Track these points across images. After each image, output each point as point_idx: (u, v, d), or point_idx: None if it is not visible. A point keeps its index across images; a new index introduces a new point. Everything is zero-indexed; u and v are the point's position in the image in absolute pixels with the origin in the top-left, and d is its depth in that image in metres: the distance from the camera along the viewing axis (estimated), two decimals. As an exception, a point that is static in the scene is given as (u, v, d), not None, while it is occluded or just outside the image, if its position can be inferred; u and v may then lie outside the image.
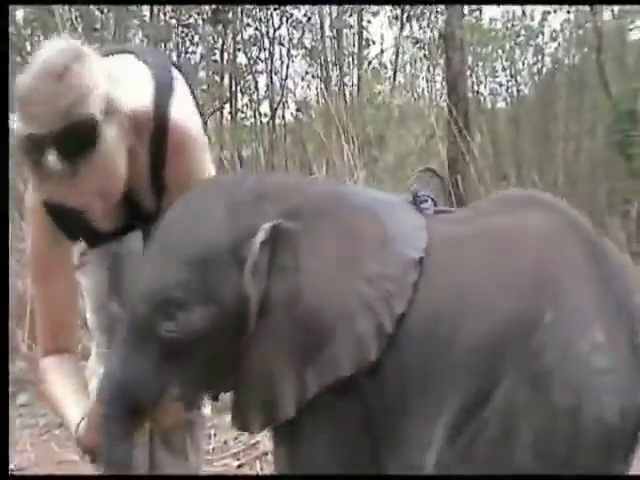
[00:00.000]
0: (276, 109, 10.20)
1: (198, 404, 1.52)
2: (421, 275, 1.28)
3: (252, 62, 10.53)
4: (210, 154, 1.79)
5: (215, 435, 3.31)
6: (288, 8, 10.37)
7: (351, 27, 10.63)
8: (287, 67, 10.52)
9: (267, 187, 1.35)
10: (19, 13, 7.98)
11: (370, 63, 10.67)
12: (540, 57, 9.74)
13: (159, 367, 1.31)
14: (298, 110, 9.78)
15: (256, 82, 10.61)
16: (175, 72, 1.55)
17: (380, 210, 1.34)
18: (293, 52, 10.58)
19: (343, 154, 5.09)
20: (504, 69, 9.96)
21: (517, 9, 9.90)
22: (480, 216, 1.37)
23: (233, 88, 10.22)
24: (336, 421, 1.28)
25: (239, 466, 3.08)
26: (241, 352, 1.28)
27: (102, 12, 9.30)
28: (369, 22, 10.60)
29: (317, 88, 10.15)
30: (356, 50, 10.53)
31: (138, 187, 1.54)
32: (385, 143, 6.93)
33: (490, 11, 10.24)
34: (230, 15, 10.06)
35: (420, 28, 10.54)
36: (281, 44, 10.57)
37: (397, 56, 10.54)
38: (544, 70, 9.58)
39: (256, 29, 10.60)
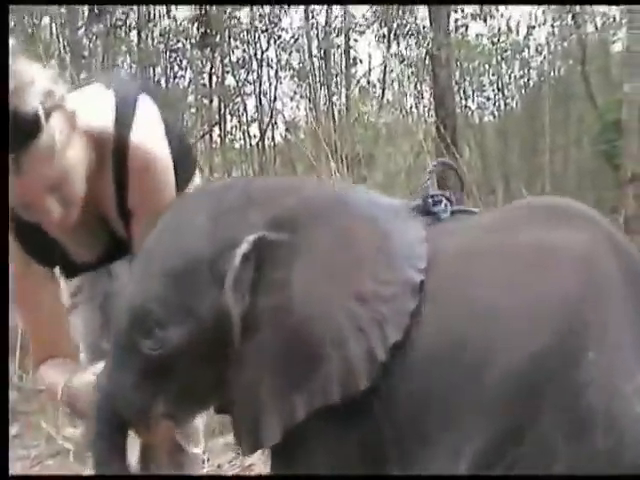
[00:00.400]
0: (265, 130, 10.23)
1: (187, 421, 1.50)
2: (436, 294, 1.18)
3: (240, 84, 10.58)
4: (200, 177, 1.81)
5: (209, 460, 3.29)
6: (275, 30, 10.44)
7: (338, 47, 10.70)
8: (275, 88, 10.59)
9: (256, 192, 1.27)
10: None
11: (358, 82, 10.73)
12: (526, 70, 9.82)
13: (142, 383, 1.26)
14: (287, 131, 9.82)
15: (245, 104, 10.66)
16: (144, 97, 1.54)
17: (380, 219, 1.24)
18: (281, 73, 10.64)
19: (332, 174, 5.11)
20: (491, 83, 10.03)
21: (502, 24, 10.00)
22: (507, 227, 1.24)
23: (222, 111, 10.25)
24: (334, 446, 1.20)
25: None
26: (227, 371, 1.21)
27: (90, 39, 9.36)
28: (356, 41, 10.67)
29: (306, 108, 10.21)
30: (344, 69, 10.59)
31: (109, 212, 1.54)
32: (374, 162, 6.95)
33: (476, 27, 10.34)
34: (218, 38, 10.12)
35: (407, 46, 10.61)
36: (269, 66, 10.64)
37: (385, 74, 10.60)
38: (530, 83, 9.66)
39: (244, 51, 10.67)
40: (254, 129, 10.42)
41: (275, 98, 10.52)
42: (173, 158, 1.55)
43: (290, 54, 10.63)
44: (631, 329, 1.11)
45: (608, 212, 6.11)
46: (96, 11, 8.86)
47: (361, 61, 10.73)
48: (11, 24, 7.95)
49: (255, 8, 10.36)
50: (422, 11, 9.35)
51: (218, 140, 10.15)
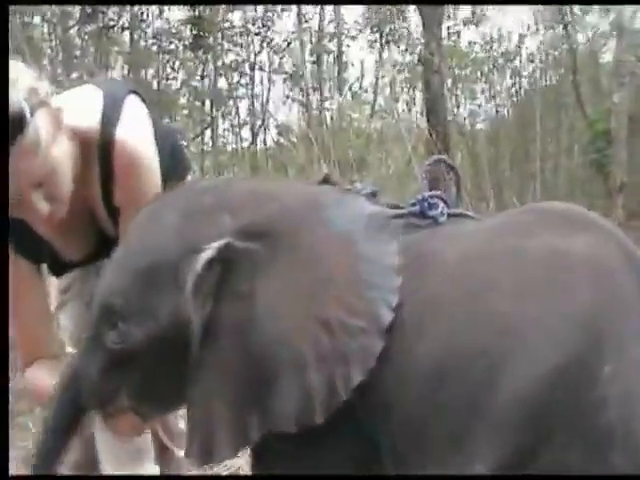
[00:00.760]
0: (257, 133, 10.26)
1: (152, 417, 1.45)
2: (439, 304, 1.11)
3: (233, 87, 10.59)
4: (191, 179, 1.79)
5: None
6: (268, 34, 10.47)
7: (331, 52, 10.73)
8: (268, 91, 10.61)
9: (234, 196, 1.22)
10: None
11: (350, 87, 10.77)
12: (517, 79, 9.89)
13: (106, 374, 1.23)
14: (279, 134, 9.83)
15: (237, 107, 10.68)
16: (132, 97, 1.54)
17: (355, 237, 1.16)
18: (274, 77, 10.67)
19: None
20: (483, 91, 10.09)
21: (494, 32, 10.07)
22: (517, 232, 1.16)
23: (214, 113, 10.25)
24: (320, 458, 1.14)
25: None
26: (187, 377, 1.16)
27: (82, 39, 9.34)
28: (348, 46, 10.72)
29: (298, 112, 10.22)
30: (336, 74, 10.62)
31: (97, 210, 1.54)
32: (366, 166, 6.97)
33: (468, 34, 10.40)
34: (211, 41, 10.13)
35: (399, 52, 10.66)
36: (261, 69, 10.66)
37: (377, 80, 10.64)
38: (522, 91, 9.72)
39: (237, 54, 10.69)
40: (246, 132, 10.45)
41: (267, 101, 10.56)
42: (165, 160, 1.55)
43: (283, 58, 10.67)
44: None
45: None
46: (88, 11, 8.84)
47: (353, 64, 10.79)
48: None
49: (248, 11, 10.39)
50: (415, 17, 9.42)
51: (210, 142, 10.15)
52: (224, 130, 10.54)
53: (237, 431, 1.10)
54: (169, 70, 10.37)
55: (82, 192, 1.44)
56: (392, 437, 1.11)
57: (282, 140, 9.44)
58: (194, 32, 10.02)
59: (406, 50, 10.29)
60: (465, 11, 10.20)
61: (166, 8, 10.08)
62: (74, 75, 7.61)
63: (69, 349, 1.74)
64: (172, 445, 1.76)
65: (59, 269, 1.63)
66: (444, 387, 1.06)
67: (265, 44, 10.62)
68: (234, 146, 10.28)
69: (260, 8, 10.43)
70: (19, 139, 1.28)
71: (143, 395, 1.24)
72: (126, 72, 9.51)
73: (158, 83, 9.81)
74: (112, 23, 9.62)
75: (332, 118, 8.93)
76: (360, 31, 10.48)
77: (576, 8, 8.11)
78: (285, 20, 10.58)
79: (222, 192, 1.24)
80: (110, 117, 1.46)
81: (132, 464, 1.54)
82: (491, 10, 9.85)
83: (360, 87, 10.78)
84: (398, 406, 1.10)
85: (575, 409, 1.00)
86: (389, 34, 10.48)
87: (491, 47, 10.15)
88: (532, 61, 9.72)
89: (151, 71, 10.03)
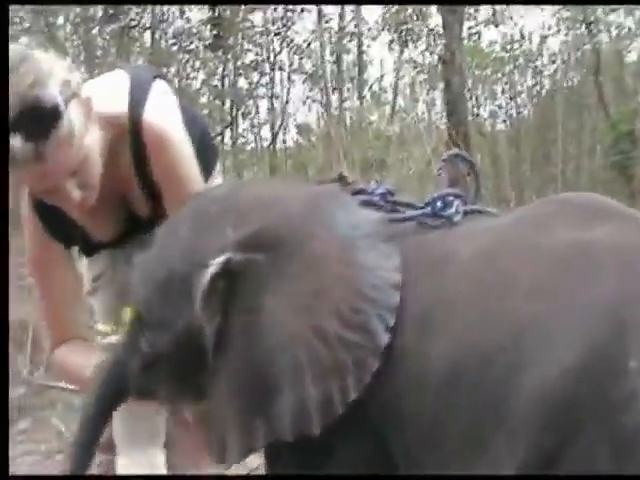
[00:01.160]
0: (277, 133, 10.26)
1: (182, 409, 1.52)
2: (455, 303, 1.08)
3: (253, 87, 10.61)
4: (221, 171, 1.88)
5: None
6: (289, 33, 10.47)
7: (350, 52, 10.72)
8: (288, 92, 10.61)
9: (241, 205, 1.24)
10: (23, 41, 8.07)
11: (370, 87, 10.75)
12: (539, 79, 9.82)
13: (144, 371, 1.31)
14: (299, 134, 9.84)
15: (257, 107, 10.69)
16: (159, 81, 1.60)
17: (357, 248, 1.15)
18: (293, 77, 10.67)
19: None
20: (503, 92, 10.03)
21: (516, 32, 10.00)
22: (538, 225, 1.13)
23: (234, 113, 10.27)
24: (334, 465, 1.15)
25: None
26: (206, 381, 1.21)
27: (104, 39, 9.40)
28: (368, 47, 10.70)
29: (317, 112, 10.22)
30: (356, 74, 10.60)
31: (130, 192, 1.60)
32: (386, 167, 6.95)
33: (489, 34, 10.35)
34: (231, 41, 10.15)
35: (420, 52, 10.63)
36: (281, 69, 10.66)
37: (397, 80, 10.61)
38: (543, 92, 9.65)
39: (257, 54, 10.70)
40: (266, 132, 10.47)
41: (287, 101, 10.56)
42: (195, 144, 1.60)
43: (302, 58, 10.66)
44: None
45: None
46: (110, 11, 8.90)
47: (372, 64, 10.76)
48: (26, 24, 8.01)
49: (269, 11, 10.40)
50: (435, 17, 9.39)
51: (230, 142, 10.18)
52: (244, 130, 10.56)
53: (244, 437, 1.13)
54: (189, 70, 10.40)
55: (113, 176, 1.49)
56: (405, 440, 1.09)
57: (301, 140, 9.45)
58: (214, 32, 10.04)
59: (427, 49, 10.25)
60: (486, 11, 10.15)
61: (187, 8, 10.11)
62: (96, 74, 7.65)
63: (99, 331, 1.78)
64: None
65: (90, 250, 1.69)
66: (460, 388, 1.04)
67: (285, 44, 10.62)
68: (253, 146, 10.30)
69: (280, 8, 10.44)
70: (55, 132, 1.32)
71: (174, 393, 1.31)
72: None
73: (179, 82, 9.84)
74: (134, 23, 9.67)
75: (352, 118, 8.93)
76: (381, 31, 10.45)
77: (600, 7, 8.05)
78: (305, 20, 10.55)
79: (228, 202, 1.26)
80: (137, 99, 1.52)
81: (145, 445, 1.58)
82: (512, 9, 9.80)
83: (380, 88, 10.77)
84: (412, 408, 1.08)
85: (601, 403, 0.96)
86: (408, 34, 10.45)
87: (512, 47, 10.09)
88: (554, 61, 9.65)
89: (172, 70, 10.06)
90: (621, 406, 0.96)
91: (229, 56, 10.37)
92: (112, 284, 1.74)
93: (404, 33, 10.41)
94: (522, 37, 9.97)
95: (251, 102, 10.60)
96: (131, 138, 1.53)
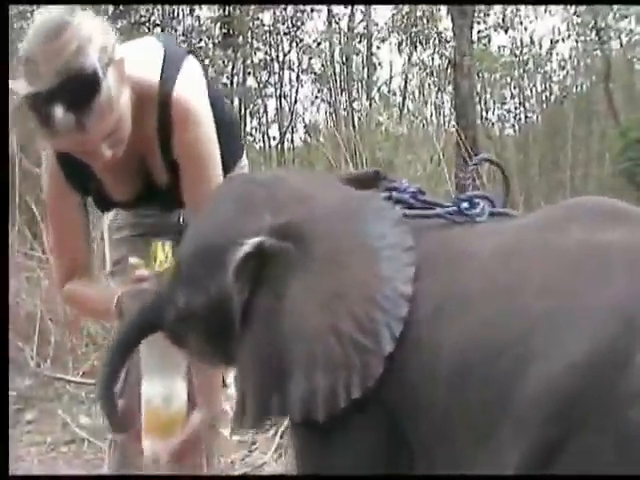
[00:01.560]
0: (285, 133, 10.26)
1: (213, 364, 1.56)
2: (468, 297, 1.13)
3: (261, 86, 10.61)
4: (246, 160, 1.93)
5: (222, 456, 3.28)
6: (298, 33, 10.47)
7: (360, 53, 10.71)
8: (296, 91, 10.61)
9: (280, 194, 1.32)
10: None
11: (379, 89, 10.74)
12: (548, 85, 9.81)
13: (179, 321, 1.38)
14: (307, 134, 9.84)
15: (265, 106, 10.70)
16: (191, 58, 1.63)
17: (380, 256, 1.21)
18: (302, 77, 10.67)
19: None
20: (512, 96, 10.02)
21: (525, 37, 10.00)
22: (552, 226, 1.17)
23: (242, 111, 10.28)
24: (353, 445, 1.19)
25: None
26: (234, 346, 1.30)
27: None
28: (378, 48, 10.69)
29: (326, 113, 10.22)
30: (365, 76, 10.60)
31: (150, 158, 1.62)
32: (394, 168, 6.95)
33: (498, 39, 10.34)
34: (240, 39, 10.15)
35: (429, 55, 10.63)
36: (290, 69, 10.67)
37: (406, 82, 10.61)
38: (552, 98, 9.64)
39: (266, 53, 10.70)
40: (274, 131, 10.47)
41: (296, 101, 10.57)
42: (222, 137, 1.63)
43: (312, 58, 10.67)
44: None
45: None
46: (120, 8, 8.92)
47: (381, 65, 10.76)
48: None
49: (278, 11, 10.41)
50: (445, 20, 9.39)
51: (238, 140, 10.17)
52: (252, 128, 10.57)
53: (260, 407, 1.22)
54: (198, 67, 10.41)
55: (137, 136, 1.51)
56: (419, 430, 1.14)
57: (309, 140, 9.45)
58: (224, 30, 10.06)
59: (436, 51, 10.25)
60: (496, 15, 10.15)
61: (197, 6, 10.12)
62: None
63: (131, 265, 1.84)
64: (215, 423, 1.82)
65: (104, 206, 1.74)
66: (470, 380, 1.08)
67: (295, 44, 10.62)
68: (262, 145, 10.31)
69: (290, 7, 10.45)
70: (95, 101, 1.35)
71: (203, 349, 1.40)
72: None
73: (188, 80, 9.85)
74: (143, 20, 9.69)
75: (360, 119, 8.92)
76: (390, 33, 10.44)
77: (610, 14, 8.04)
78: (315, 20, 10.56)
79: (272, 189, 1.34)
80: (169, 73, 1.56)
81: (169, 372, 1.62)
82: (523, 14, 9.81)
83: (389, 90, 10.76)
84: (425, 399, 1.12)
85: (607, 398, 0.98)
86: (418, 36, 10.45)
87: (521, 52, 10.08)
88: (564, 67, 9.65)
89: (181, 68, 10.06)
90: (627, 401, 0.97)
91: (238, 55, 10.38)
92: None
93: (413, 35, 10.41)
94: (532, 42, 9.98)
95: (260, 101, 10.61)
96: (159, 110, 1.55)
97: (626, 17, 8.20)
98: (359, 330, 1.15)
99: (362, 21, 10.64)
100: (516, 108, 9.93)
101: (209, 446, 1.83)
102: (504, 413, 1.04)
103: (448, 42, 9.35)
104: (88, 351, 4.05)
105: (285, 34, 10.60)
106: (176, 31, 10.12)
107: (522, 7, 9.55)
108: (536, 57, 9.84)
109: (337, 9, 10.45)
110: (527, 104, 9.79)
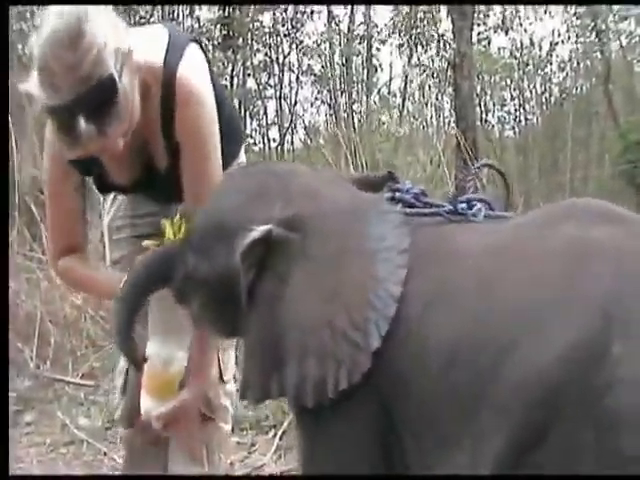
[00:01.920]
0: (285, 134, 10.27)
1: (212, 332, 1.57)
2: (457, 289, 1.19)
3: (261, 88, 10.62)
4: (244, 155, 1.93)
5: (221, 458, 3.28)
6: (298, 35, 10.48)
7: (360, 54, 10.72)
8: (296, 93, 10.62)
9: (292, 186, 1.38)
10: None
11: (379, 91, 10.75)
12: (548, 86, 9.82)
13: (185, 280, 1.44)
14: (307, 135, 9.84)
15: (265, 107, 10.70)
16: (194, 45, 1.65)
17: (377, 258, 1.26)
18: (302, 78, 10.68)
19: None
20: (512, 98, 10.02)
21: (525, 38, 10.00)
22: (540, 224, 1.23)
23: (242, 113, 10.28)
24: (348, 428, 1.25)
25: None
26: (238, 322, 1.36)
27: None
28: (378, 50, 10.70)
29: (326, 114, 10.23)
30: (365, 77, 10.60)
31: (152, 142, 1.63)
32: (394, 170, 6.95)
33: (498, 40, 10.35)
34: (240, 41, 10.16)
35: (429, 57, 10.63)
36: (290, 70, 10.67)
37: (406, 84, 10.62)
38: (552, 99, 9.65)
39: (266, 55, 10.71)
40: (274, 132, 10.47)
41: (295, 103, 10.57)
42: (223, 130, 1.65)
43: (312, 59, 10.68)
44: None
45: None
46: (120, 9, 8.92)
47: (381, 68, 10.76)
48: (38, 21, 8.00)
49: (278, 12, 10.41)
50: (445, 22, 9.40)
51: (237, 141, 10.16)
52: (252, 130, 10.57)
53: (260, 387, 1.29)
54: (198, 69, 10.40)
55: (142, 122, 1.51)
56: (409, 415, 1.20)
57: (309, 141, 9.45)
58: (224, 32, 10.06)
59: (437, 54, 10.25)
60: (496, 17, 10.15)
61: (197, 7, 10.13)
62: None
63: (144, 247, 1.86)
64: (214, 416, 1.84)
65: (104, 188, 1.76)
66: (456, 369, 1.14)
67: (294, 45, 10.63)
68: (262, 146, 10.31)
69: (290, 9, 10.46)
70: (115, 106, 1.38)
71: (204, 314, 1.44)
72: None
73: (187, 81, 9.85)
74: (143, 21, 9.68)
75: (360, 121, 8.93)
76: (391, 34, 10.45)
77: (610, 15, 8.05)
78: (315, 22, 10.56)
79: (287, 181, 1.39)
80: (173, 55, 1.59)
81: (173, 341, 1.65)
82: (522, 15, 9.81)
83: (389, 92, 10.77)
84: (414, 386, 1.19)
85: (585, 388, 1.04)
86: (418, 38, 10.45)
87: (521, 54, 10.09)
88: (563, 69, 9.65)
89: (181, 69, 10.06)
90: (604, 390, 1.03)
91: (238, 56, 10.38)
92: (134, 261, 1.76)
93: (414, 37, 10.42)
94: (532, 44, 9.99)
95: (260, 103, 10.61)
96: (162, 90, 1.57)
97: (626, 19, 8.22)
98: (352, 326, 1.22)
99: (362, 23, 10.65)
100: (516, 110, 9.95)
101: (209, 442, 1.84)
102: (487, 400, 1.11)
103: (448, 44, 9.36)
104: (88, 353, 4.03)
105: (285, 36, 10.61)
106: (176, 32, 10.12)
107: (522, 9, 9.55)
108: (536, 59, 9.85)
109: (337, 11, 10.46)
110: (527, 106, 9.81)
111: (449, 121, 9.14)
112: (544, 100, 9.74)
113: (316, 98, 10.55)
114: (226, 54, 10.31)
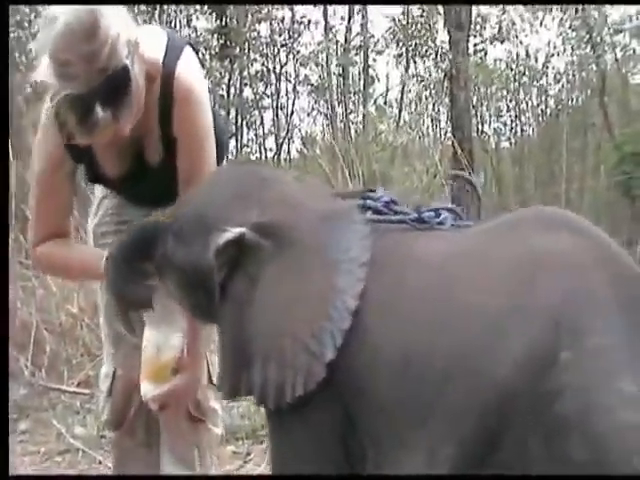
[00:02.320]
0: (281, 144, 10.29)
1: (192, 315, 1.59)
2: (413, 294, 1.22)
3: (258, 97, 10.65)
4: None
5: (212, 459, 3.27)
6: (295, 45, 10.52)
7: (356, 64, 10.76)
8: (293, 103, 10.65)
9: (272, 191, 1.42)
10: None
11: (375, 101, 10.78)
12: (544, 98, 9.86)
13: (161, 255, 1.47)
14: (303, 145, 9.86)
15: (262, 117, 10.73)
16: (190, 48, 1.69)
17: (339, 269, 1.29)
18: (299, 88, 10.71)
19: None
20: (508, 109, 10.06)
21: (521, 50, 10.05)
22: (494, 233, 1.26)
23: (239, 123, 10.30)
24: (311, 431, 1.29)
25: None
26: (211, 312, 1.39)
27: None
28: (374, 60, 10.74)
29: (322, 124, 10.25)
30: (362, 88, 10.64)
31: (147, 136, 1.66)
32: (390, 180, 6.97)
33: (494, 52, 10.40)
34: (237, 51, 10.19)
35: (425, 67, 10.67)
36: (287, 80, 10.71)
37: (402, 94, 10.65)
38: (548, 111, 9.69)
39: (263, 65, 10.74)
40: (270, 142, 10.50)
41: (292, 112, 10.60)
42: (215, 135, 1.68)
43: (309, 68, 10.72)
44: (619, 337, 1.06)
45: (624, 244, 6.07)
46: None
47: (378, 79, 10.80)
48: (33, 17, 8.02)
49: (275, 22, 10.45)
50: (441, 33, 9.44)
51: (234, 152, 10.20)
52: (249, 140, 10.60)
53: (232, 383, 1.33)
54: (195, 78, 10.41)
55: (140, 117, 1.54)
56: (368, 423, 1.23)
57: (306, 151, 9.46)
58: (221, 42, 10.10)
59: (434, 65, 10.29)
60: (492, 28, 10.20)
61: (194, 17, 10.17)
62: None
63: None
64: (204, 418, 1.84)
65: (92, 177, 1.77)
66: (409, 374, 1.17)
67: (291, 55, 10.67)
68: (258, 156, 10.32)
69: (287, 19, 10.50)
70: (129, 94, 1.44)
71: (179, 295, 1.48)
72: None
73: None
74: (141, 28, 9.70)
75: (356, 131, 8.95)
76: (389, 44, 10.49)
77: (605, 28, 8.09)
78: (312, 32, 10.61)
79: (269, 186, 1.42)
80: (172, 54, 1.63)
81: (168, 328, 1.67)
82: (518, 27, 9.86)
83: (385, 102, 10.80)
84: (370, 395, 1.22)
85: (536, 395, 1.05)
86: (415, 49, 10.49)
87: (517, 65, 10.14)
88: (559, 81, 9.70)
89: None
90: (552, 396, 1.04)
91: (235, 66, 10.42)
92: None
93: (410, 48, 10.46)
94: (527, 55, 10.04)
95: (256, 112, 10.63)
96: (161, 86, 1.61)
97: (621, 32, 8.26)
98: (311, 336, 1.25)
99: (359, 34, 10.69)
100: (512, 121, 9.99)
101: (200, 444, 1.85)
102: (439, 408, 1.13)
103: (445, 55, 9.39)
104: (83, 361, 4.02)
105: (282, 46, 10.65)
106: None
107: (518, 21, 9.60)
108: (532, 71, 9.89)
109: (334, 21, 10.51)
110: (523, 117, 9.85)
111: (445, 132, 9.18)
112: (540, 111, 9.79)
113: (313, 108, 10.60)
114: (223, 64, 10.35)
